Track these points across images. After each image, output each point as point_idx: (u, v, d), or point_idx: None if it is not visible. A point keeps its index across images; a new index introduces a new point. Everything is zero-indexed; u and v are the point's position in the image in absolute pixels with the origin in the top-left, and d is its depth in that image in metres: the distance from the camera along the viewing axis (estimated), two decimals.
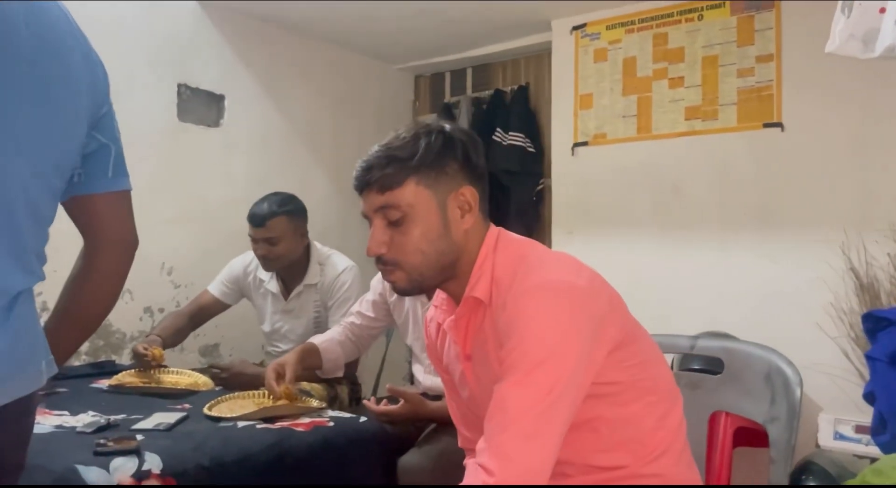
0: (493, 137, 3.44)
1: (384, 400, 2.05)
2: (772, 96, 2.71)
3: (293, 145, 3.50)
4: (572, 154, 3.14)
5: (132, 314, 2.84)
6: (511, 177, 3.39)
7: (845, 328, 2.41)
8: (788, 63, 2.66)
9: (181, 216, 2.98)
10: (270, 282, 2.65)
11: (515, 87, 3.62)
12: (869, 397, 1.41)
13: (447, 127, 1.17)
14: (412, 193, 1.12)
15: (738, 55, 2.79)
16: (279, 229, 2.49)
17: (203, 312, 2.71)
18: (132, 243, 1.17)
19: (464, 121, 3.66)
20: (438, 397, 2.09)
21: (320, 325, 2.58)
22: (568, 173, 3.16)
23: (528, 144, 3.42)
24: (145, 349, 2.31)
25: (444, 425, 2.00)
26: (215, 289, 2.72)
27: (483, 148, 1.22)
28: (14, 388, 0.94)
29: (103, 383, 2.27)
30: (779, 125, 2.67)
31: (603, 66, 3.11)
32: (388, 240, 1.13)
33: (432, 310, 1.35)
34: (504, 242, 1.17)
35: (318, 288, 2.58)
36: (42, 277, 1.00)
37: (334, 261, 2.63)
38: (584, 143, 3.12)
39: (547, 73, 3.42)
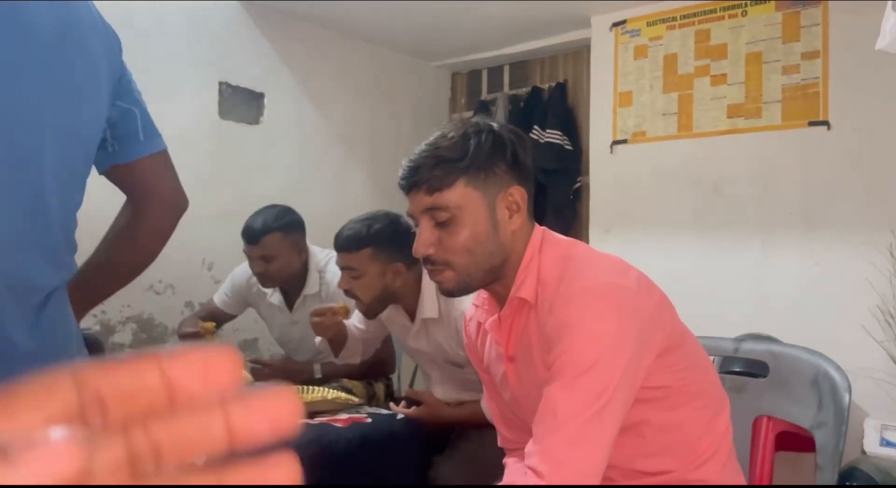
0: (531, 135, 3.42)
1: (402, 403, 2.05)
2: (818, 94, 2.65)
3: (331, 143, 3.53)
4: (611, 152, 3.11)
5: (174, 308, 2.89)
6: (548, 175, 3.37)
7: (892, 332, 2.35)
8: (836, 60, 2.60)
9: (222, 212, 3.02)
10: (273, 295, 2.58)
11: (553, 84, 3.60)
12: None
13: (496, 126, 1.15)
14: (461, 195, 1.10)
15: (783, 52, 2.74)
16: (274, 246, 2.38)
17: (213, 320, 2.63)
18: (180, 203, 1.16)
19: (500, 118, 3.65)
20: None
21: None
22: (606, 171, 3.13)
23: (566, 142, 3.39)
24: (193, 327, 2.33)
25: (467, 431, 2.00)
26: (218, 299, 2.66)
27: (531, 146, 1.21)
28: None
29: None
30: (825, 123, 2.61)
31: (643, 63, 3.07)
32: (435, 241, 1.12)
33: (472, 310, 1.35)
34: (549, 243, 1.16)
35: (321, 296, 2.48)
36: (73, 269, 1.00)
37: (333, 267, 2.55)
38: (623, 141, 3.08)
39: (585, 70, 3.39)
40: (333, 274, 2.47)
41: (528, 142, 1.20)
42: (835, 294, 2.52)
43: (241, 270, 2.61)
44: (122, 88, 1.06)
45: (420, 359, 2.14)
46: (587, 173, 3.29)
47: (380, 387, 2.56)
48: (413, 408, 2.00)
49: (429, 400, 2.04)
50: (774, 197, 2.71)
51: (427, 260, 1.14)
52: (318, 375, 2.35)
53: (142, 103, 1.11)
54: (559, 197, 3.38)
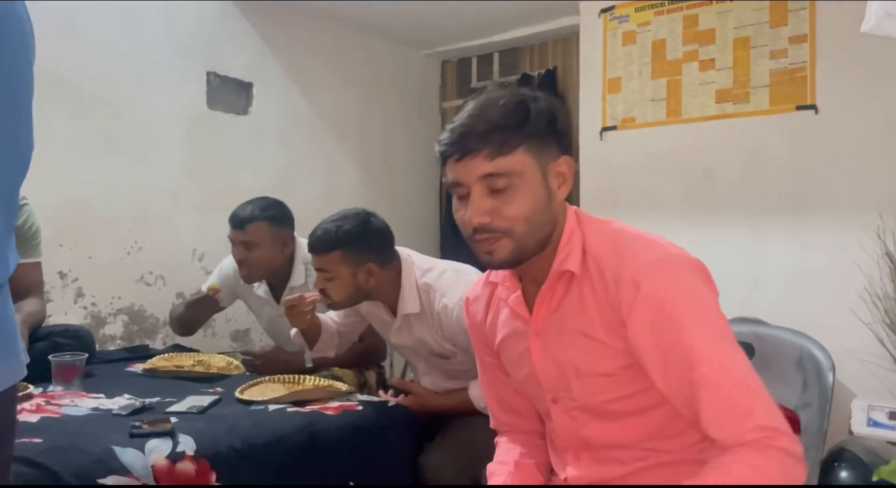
0: None
1: (390, 392, 2.06)
2: (805, 78, 2.65)
3: (320, 132, 3.52)
4: (600, 138, 3.11)
5: (165, 299, 2.89)
6: None
7: (880, 314, 2.37)
8: (823, 44, 2.60)
9: (211, 203, 3.01)
10: (260, 287, 2.57)
11: (543, 71, 3.60)
12: None
13: (542, 94, 1.13)
14: (521, 161, 1.07)
15: (771, 36, 2.74)
16: (258, 234, 2.38)
17: (203, 309, 2.60)
18: None
19: None
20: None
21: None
22: (596, 157, 3.13)
23: None
24: (198, 294, 2.37)
25: (455, 418, 2.00)
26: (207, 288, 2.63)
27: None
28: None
29: (137, 367, 2.32)
30: (813, 107, 2.62)
31: (632, 49, 3.07)
32: (490, 210, 1.08)
33: (477, 289, 1.34)
34: (585, 217, 1.16)
35: (307, 287, 2.45)
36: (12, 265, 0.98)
37: None
38: (613, 128, 3.09)
39: (575, 56, 3.39)
40: None
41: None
42: (824, 277, 2.53)
43: (230, 261, 2.60)
44: None
45: (404, 352, 2.15)
46: (577, 160, 3.29)
47: (371, 375, 2.57)
48: (401, 397, 2.00)
49: (416, 389, 2.05)
50: (763, 181, 2.72)
51: (481, 229, 1.09)
52: (309, 364, 2.36)
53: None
54: None
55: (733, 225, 2.79)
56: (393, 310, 2.03)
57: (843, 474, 1.84)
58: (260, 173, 3.21)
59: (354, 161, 3.66)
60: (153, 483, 1.43)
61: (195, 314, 2.56)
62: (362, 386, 2.47)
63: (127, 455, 1.44)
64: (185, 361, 2.32)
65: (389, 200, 3.71)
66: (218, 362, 2.34)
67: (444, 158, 1.11)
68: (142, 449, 1.47)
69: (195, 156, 3.00)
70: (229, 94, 3.16)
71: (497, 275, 1.25)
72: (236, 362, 2.34)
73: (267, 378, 2.05)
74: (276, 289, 2.56)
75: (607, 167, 3.10)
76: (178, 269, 2.93)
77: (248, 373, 2.28)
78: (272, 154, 3.30)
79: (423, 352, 2.05)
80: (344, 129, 3.62)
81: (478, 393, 1.94)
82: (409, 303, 1.96)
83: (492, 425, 1.39)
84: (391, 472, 1.84)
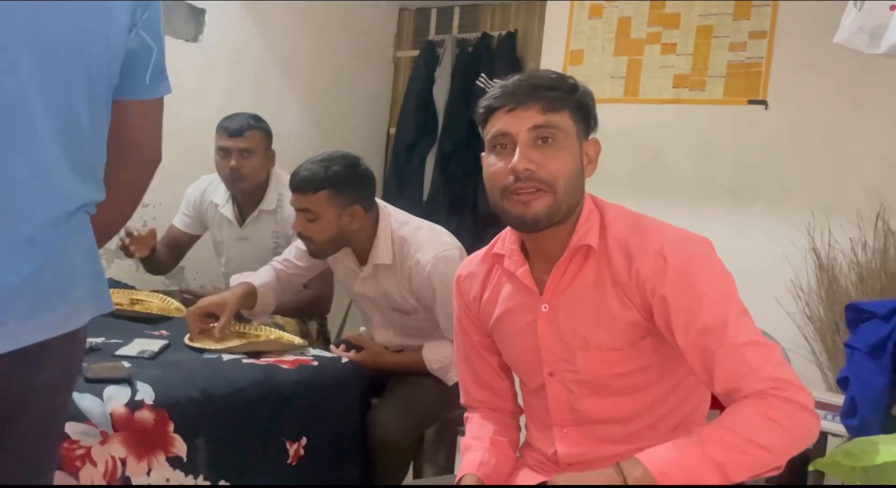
0: (477, 83, 3.38)
1: (342, 346, 2.06)
2: (760, 73, 2.75)
3: (270, 68, 3.39)
4: None
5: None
6: None
7: (801, 305, 2.54)
8: (781, 42, 2.69)
9: None
10: (225, 207, 2.55)
11: (503, 33, 3.56)
12: (842, 382, 1.51)
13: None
14: (567, 123, 1.15)
15: (732, 28, 2.81)
16: (255, 142, 2.43)
17: (176, 245, 2.64)
18: (157, 159, 1.12)
19: (448, 62, 3.60)
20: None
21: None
22: None
23: None
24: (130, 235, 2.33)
25: (405, 376, 2.02)
26: (178, 220, 2.65)
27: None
28: (41, 327, 0.90)
29: None
30: (763, 103, 2.72)
31: (597, 23, 3.08)
32: (536, 160, 1.13)
33: (470, 265, 1.35)
34: (601, 200, 1.24)
35: (276, 217, 2.49)
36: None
37: None
38: None
39: (536, 21, 3.38)
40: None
41: None
42: (755, 266, 2.66)
43: (193, 187, 2.62)
44: (148, 18, 0.99)
45: (363, 302, 2.14)
46: None
47: (313, 326, 2.56)
48: (353, 352, 2.01)
49: (370, 345, 2.06)
50: (708, 169, 2.83)
51: (525, 177, 1.12)
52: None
53: (162, 44, 1.04)
54: None
55: (675, 208, 2.89)
56: (361, 259, 2.01)
57: None
58: (205, 106, 3.06)
59: (302, 102, 3.55)
60: (111, 431, 1.40)
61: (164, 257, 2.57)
62: (304, 336, 2.46)
63: (84, 400, 1.40)
64: (121, 299, 2.24)
65: (336, 147, 3.62)
66: (156, 301, 2.28)
67: (491, 111, 1.16)
68: (100, 396, 1.43)
69: None
70: (180, 18, 2.98)
71: (503, 247, 1.27)
72: (177, 303, 2.28)
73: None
74: (244, 211, 2.54)
75: None
76: None
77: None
78: (219, 87, 3.16)
79: (383, 304, 2.05)
80: (294, 67, 3.49)
81: (433, 357, 1.97)
82: (382, 252, 1.95)
83: (462, 401, 1.42)
84: (342, 426, 1.86)
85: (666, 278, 1.10)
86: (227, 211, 2.55)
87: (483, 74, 3.46)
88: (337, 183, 1.89)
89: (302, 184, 1.90)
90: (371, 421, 1.91)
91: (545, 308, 1.21)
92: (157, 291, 2.44)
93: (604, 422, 1.20)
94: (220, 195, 2.55)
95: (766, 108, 2.72)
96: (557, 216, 1.15)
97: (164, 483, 1.48)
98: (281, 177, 2.51)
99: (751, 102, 2.76)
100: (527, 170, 1.12)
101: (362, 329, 2.30)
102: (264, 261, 2.44)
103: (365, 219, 1.94)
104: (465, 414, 1.40)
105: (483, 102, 1.17)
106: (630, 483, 0.99)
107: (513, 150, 1.13)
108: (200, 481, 1.54)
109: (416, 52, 3.79)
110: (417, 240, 1.94)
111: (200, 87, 3.08)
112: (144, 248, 2.36)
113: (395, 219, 2.00)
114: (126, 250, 2.36)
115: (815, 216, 2.57)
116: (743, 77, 2.78)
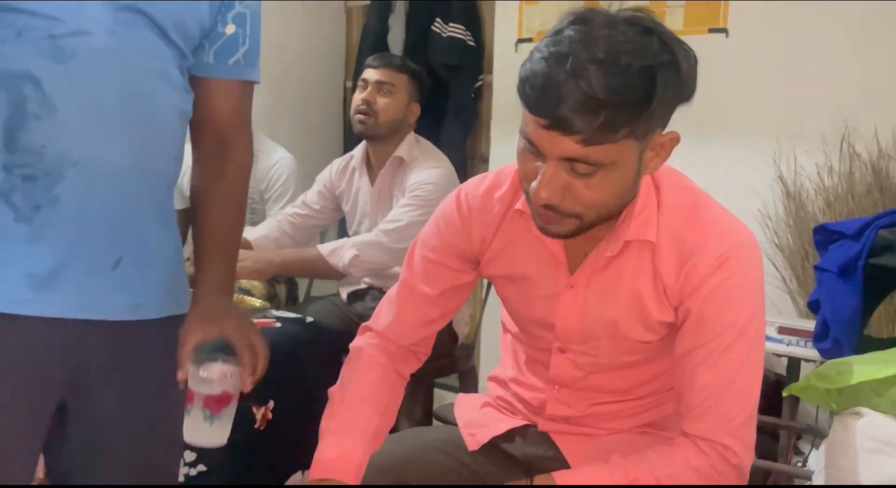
0: (433, 28, 3.29)
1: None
2: (720, 2, 2.68)
3: None
4: (515, 51, 3.05)
5: None
6: (449, 72, 3.27)
7: (770, 234, 2.53)
8: None
9: None
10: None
11: None
12: (814, 305, 1.49)
13: (679, 53, 0.93)
14: (619, 149, 0.90)
15: None
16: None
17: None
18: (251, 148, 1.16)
19: (402, 7, 3.47)
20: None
21: (256, 214, 2.48)
22: (510, 70, 3.06)
23: (469, 37, 3.28)
24: None
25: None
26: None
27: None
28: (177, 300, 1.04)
29: None
30: (724, 31, 2.66)
31: None
32: (562, 189, 0.92)
33: (485, 199, 1.15)
34: (660, 178, 1.07)
35: (252, 173, 2.43)
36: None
37: (269, 147, 2.52)
38: (529, 40, 3.03)
39: None
40: (267, 155, 2.53)
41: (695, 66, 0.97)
42: (722, 197, 2.62)
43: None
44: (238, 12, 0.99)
45: (364, 208, 2.25)
46: (490, 72, 3.23)
47: (282, 289, 2.51)
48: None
49: (248, 254, 1.95)
50: None
51: (549, 206, 0.94)
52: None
53: (259, 22, 1.04)
54: (460, 96, 3.29)
55: None
56: (377, 165, 2.24)
57: None
58: None
59: None
60: None
61: None
62: (272, 300, 2.40)
63: None
64: None
65: (290, 103, 3.51)
66: None
67: (524, 103, 0.92)
68: None
69: None
70: None
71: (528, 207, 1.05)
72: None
73: None
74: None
75: None
76: None
77: None
78: None
79: (384, 209, 2.18)
80: None
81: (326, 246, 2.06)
82: (406, 148, 2.19)
83: (371, 324, 1.23)
84: (311, 387, 1.81)
85: (708, 286, 1.00)
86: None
87: (438, 19, 3.37)
88: (417, 77, 2.26)
89: (392, 60, 2.24)
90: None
91: (572, 286, 1.07)
92: None
93: (604, 391, 1.16)
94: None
95: (726, 37, 2.66)
96: (587, 230, 1.00)
97: None
98: (281, 154, 2.61)
99: (711, 31, 2.70)
100: (547, 202, 0.93)
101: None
102: None
103: (413, 122, 2.24)
104: (362, 342, 1.22)
105: (519, 84, 0.92)
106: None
107: (543, 162, 0.92)
108: None
109: (368, 1, 3.65)
110: (432, 149, 2.27)
111: None
112: None
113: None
114: None
115: (781, 144, 2.54)
116: (703, 6, 2.72)
